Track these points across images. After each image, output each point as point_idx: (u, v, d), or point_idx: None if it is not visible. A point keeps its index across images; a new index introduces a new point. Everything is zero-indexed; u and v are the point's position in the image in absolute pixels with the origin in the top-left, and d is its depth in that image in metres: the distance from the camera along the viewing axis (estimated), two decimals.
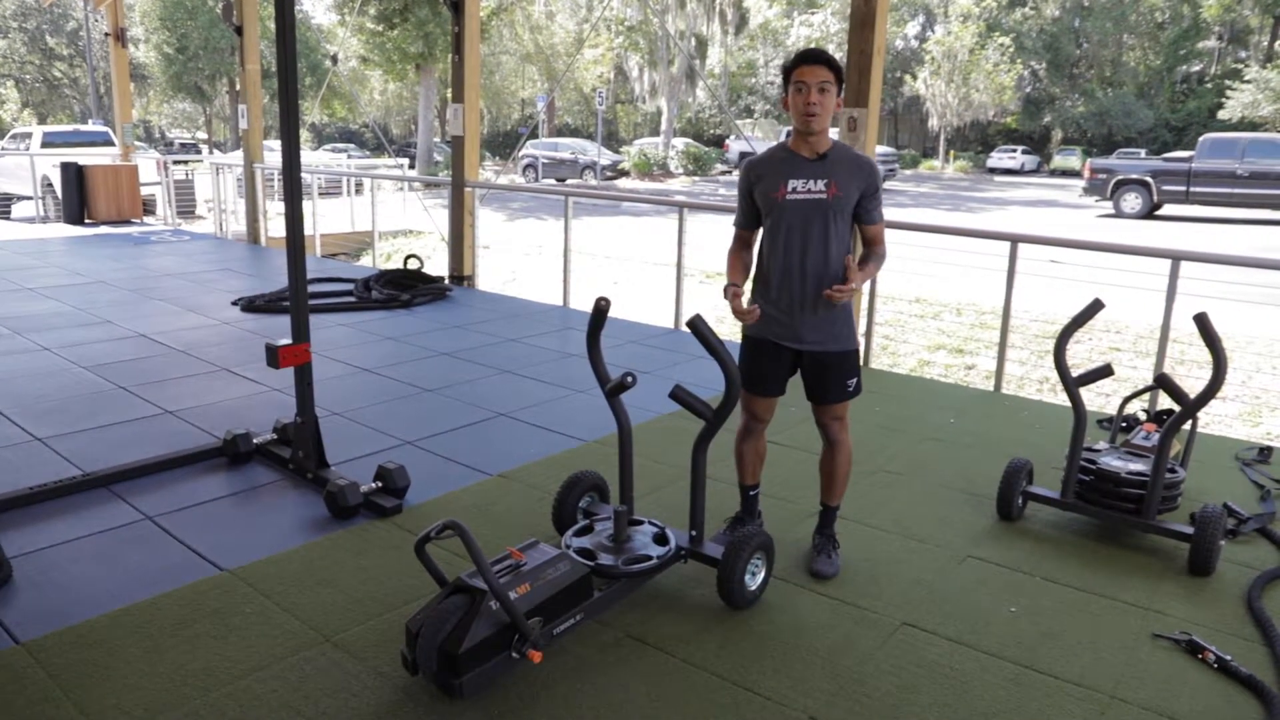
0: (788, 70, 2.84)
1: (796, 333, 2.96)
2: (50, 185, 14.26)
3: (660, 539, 2.94)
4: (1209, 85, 42.84)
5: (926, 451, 4.36)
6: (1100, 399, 7.10)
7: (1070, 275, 9.67)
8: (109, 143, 16.33)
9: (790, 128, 2.94)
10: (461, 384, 5.30)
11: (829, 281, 2.88)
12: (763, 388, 3.05)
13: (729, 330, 9.74)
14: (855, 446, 3.17)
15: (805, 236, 2.88)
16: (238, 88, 10.84)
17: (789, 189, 2.88)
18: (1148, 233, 17.87)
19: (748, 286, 3.06)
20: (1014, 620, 2.85)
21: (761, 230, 3.02)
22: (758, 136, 42.03)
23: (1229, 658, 2.60)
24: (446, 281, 8.38)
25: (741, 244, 3.09)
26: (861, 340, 6.05)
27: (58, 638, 2.60)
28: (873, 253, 3.03)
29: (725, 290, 2.93)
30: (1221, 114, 36.94)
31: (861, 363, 5.95)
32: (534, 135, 35.46)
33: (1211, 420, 6.75)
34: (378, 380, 5.38)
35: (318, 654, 2.57)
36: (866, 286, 5.98)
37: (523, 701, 2.38)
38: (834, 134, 6.13)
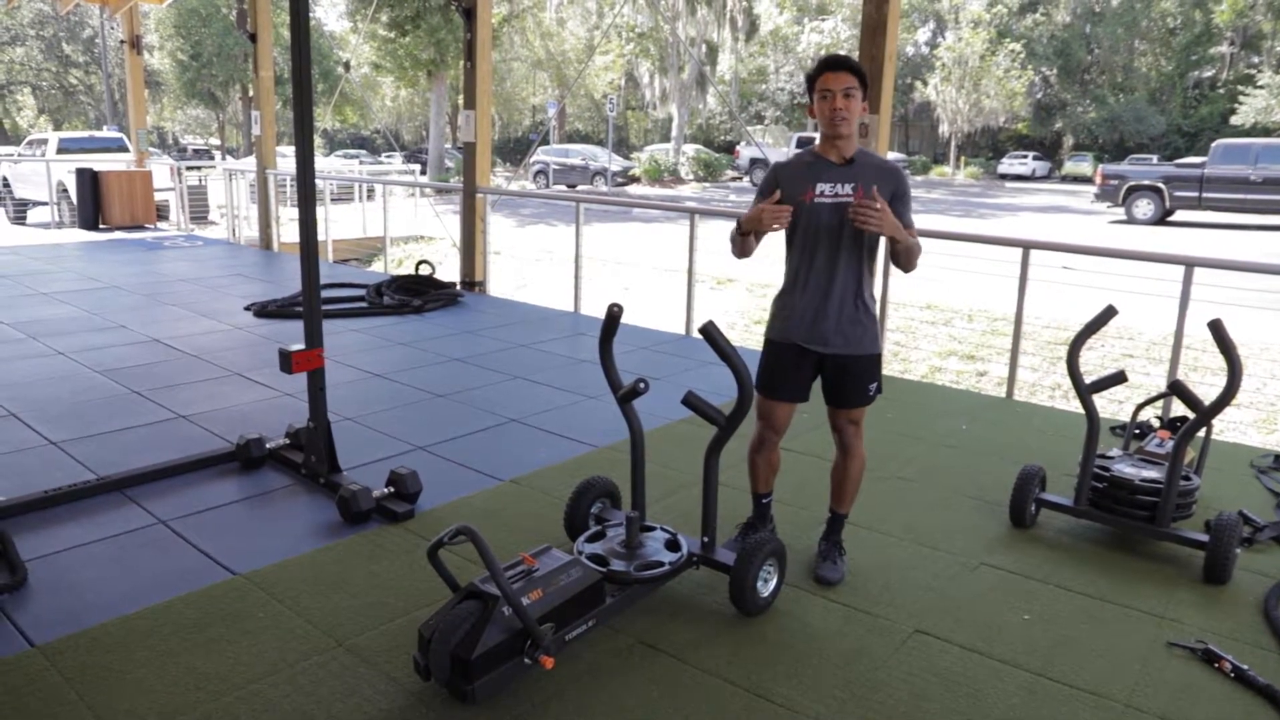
0: (812, 78, 2.88)
1: (823, 336, 2.96)
2: (65, 191, 14.38)
3: (672, 545, 2.94)
4: (1221, 91, 42.60)
5: (938, 458, 4.35)
6: (1113, 406, 7.06)
7: (1082, 282, 9.64)
8: (123, 149, 16.44)
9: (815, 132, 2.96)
10: (473, 389, 5.31)
11: (856, 286, 2.94)
12: (783, 392, 3.04)
13: (740, 336, 9.73)
14: (867, 452, 3.17)
15: (833, 239, 2.90)
16: (251, 94, 10.91)
17: (817, 191, 2.89)
18: (1160, 239, 17.81)
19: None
20: (1027, 628, 2.83)
21: (787, 237, 3.00)
22: (768, 143, 41.99)
23: (1246, 667, 2.58)
24: (458, 287, 8.41)
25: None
26: None
27: (72, 641, 2.62)
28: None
29: (745, 220, 2.86)
30: (1234, 119, 36.74)
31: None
32: (545, 141, 35.52)
33: (1226, 427, 6.71)
34: (390, 385, 5.39)
35: (330, 659, 2.58)
36: (878, 292, 5.95)
37: (534, 707, 2.38)
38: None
